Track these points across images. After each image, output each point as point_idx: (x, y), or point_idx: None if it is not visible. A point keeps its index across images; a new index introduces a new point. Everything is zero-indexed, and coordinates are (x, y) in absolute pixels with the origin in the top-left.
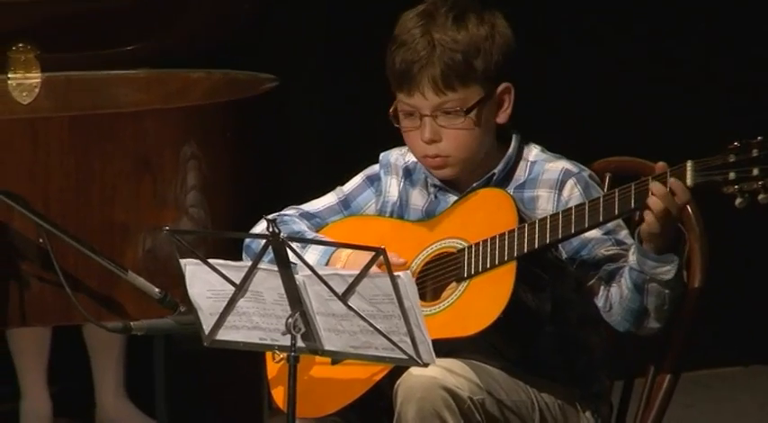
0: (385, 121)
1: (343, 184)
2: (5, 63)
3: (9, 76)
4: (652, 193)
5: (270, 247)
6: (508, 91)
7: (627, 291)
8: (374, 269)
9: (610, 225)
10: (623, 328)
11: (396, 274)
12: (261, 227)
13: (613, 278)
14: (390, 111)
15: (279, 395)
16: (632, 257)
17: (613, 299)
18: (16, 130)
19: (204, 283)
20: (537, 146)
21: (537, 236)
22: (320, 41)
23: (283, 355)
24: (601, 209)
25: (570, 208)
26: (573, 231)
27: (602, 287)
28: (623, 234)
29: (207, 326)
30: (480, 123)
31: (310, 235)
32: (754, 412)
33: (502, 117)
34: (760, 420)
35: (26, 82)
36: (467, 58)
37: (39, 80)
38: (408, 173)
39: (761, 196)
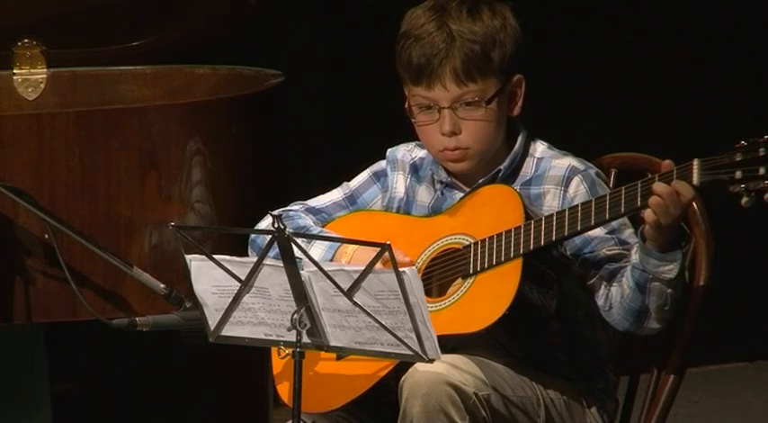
0: (389, 118)
1: (348, 179)
2: (11, 59)
3: (15, 71)
4: (656, 194)
5: (275, 243)
6: (520, 83)
7: (628, 290)
8: (380, 265)
9: (614, 223)
10: (623, 327)
11: (401, 269)
12: (266, 222)
13: (614, 277)
14: (405, 106)
15: (284, 390)
16: (635, 256)
17: (614, 298)
18: (22, 126)
19: (210, 278)
20: (544, 142)
21: (543, 233)
22: (324, 36)
23: (289, 350)
24: (607, 207)
25: (576, 205)
26: (579, 229)
27: (602, 286)
28: (627, 233)
29: (212, 321)
30: (498, 115)
31: (316, 230)
32: (759, 408)
33: (515, 109)
34: (765, 416)
35: (32, 78)
36: (485, 49)
37: (44, 76)
38: (415, 169)
39: (767, 195)
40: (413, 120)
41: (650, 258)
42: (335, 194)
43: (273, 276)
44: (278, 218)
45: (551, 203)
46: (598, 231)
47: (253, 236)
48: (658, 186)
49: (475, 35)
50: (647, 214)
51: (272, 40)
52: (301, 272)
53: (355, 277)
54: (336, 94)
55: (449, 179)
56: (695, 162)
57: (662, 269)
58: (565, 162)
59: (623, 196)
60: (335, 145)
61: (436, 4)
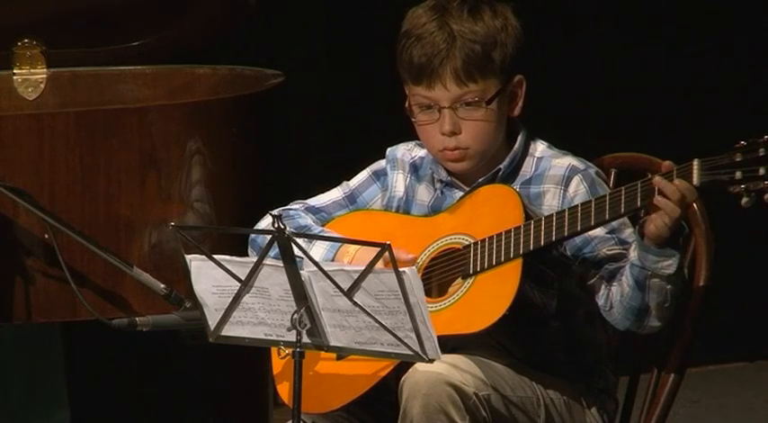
0: (389, 117)
1: (348, 179)
2: (11, 59)
3: (15, 71)
4: (658, 193)
5: (275, 243)
6: (520, 84)
7: (628, 288)
8: (380, 265)
9: (614, 223)
10: (624, 326)
11: (401, 269)
12: (266, 222)
13: (614, 277)
14: (405, 105)
15: (284, 390)
16: (633, 253)
17: (614, 297)
18: (22, 126)
19: (209, 278)
20: (543, 142)
21: (543, 233)
22: (324, 36)
23: (289, 350)
24: (607, 207)
25: (576, 205)
26: (579, 228)
27: (602, 286)
28: (627, 233)
29: (212, 321)
30: (498, 115)
31: (316, 230)
32: (759, 408)
33: (515, 110)
34: (765, 416)
35: (32, 78)
36: (486, 49)
37: (44, 76)
38: (415, 168)
39: (767, 196)
40: (413, 119)
41: (648, 255)
42: (335, 194)
43: (273, 276)
44: (278, 218)
45: (551, 203)
46: (598, 231)
47: (252, 235)
48: (666, 186)
49: (476, 35)
50: (653, 215)
51: (272, 40)
52: (301, 272)
53: (355, 277)
54: (336, 94)
55: (448, 178)
56: (695, 162)
57: (661, 265)
58: (565, 161)
59: (623, 196)
60: (335, 145)
61: (437, 4)
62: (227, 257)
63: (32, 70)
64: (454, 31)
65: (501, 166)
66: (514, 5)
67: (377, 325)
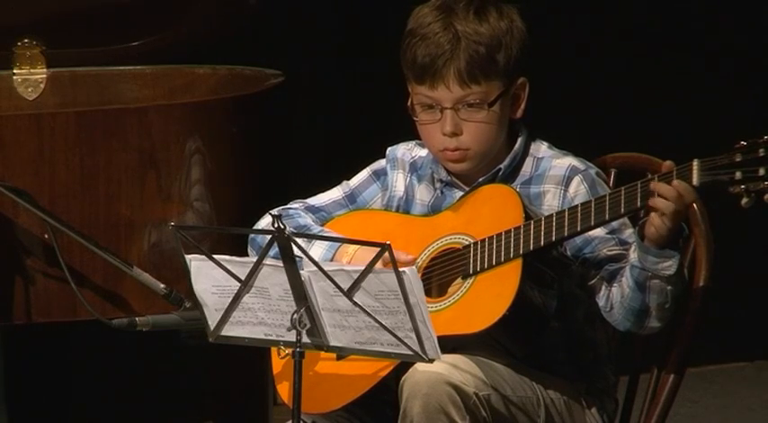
0: (389, 117)
1: (348, 178)
2: (11, 59)
3: (15, 71)
4: (657, 194)
5: (275, 242)
6: (524, 86)
7: (628, 290)
8: (379, 264)
9: (614, 224)
10: (624, 327)
11: (401, 269)
12: (266, 221)
13: (615, 278)
14: (408, 104)
15: (284, 390)
16: (633, 255)
17: (614, 298)
18: (22, 126)
19: (209, 278)
20: (544, 142)
21: (543, 233)
22: (324, 36)
23: (289, 350)
24: (607, 207)
25: (576, 205)
26: (579, 229)
27: (603, 287)
28: (627, 233)
29: (212, 321)
30: (500, 117)
31: (316, 229)
32: (759, 408)
33: (518, 112)
34: (765, 416)
35: (32, 78)
36: (490, 51)
37: (44, 76)
38: (415, 168)
39: (767, 196)
40: (414, 118)
41: (648, 256)
42: (335, 193)
43: (273, 276)
44: (278, 217)
45: (551, 203)
46: (599, 232)
47: (252, 235)
48: (659, 187)
49: (480, 37)
50: (652, 217)
51: (272, 40)
52: (301, 272)
53: (355, 277)
54: (336, 93)
55: (448, 178)
56: (695, 162)
57: (661, 266)
58: (565, 162)
59: (623, 197)
60: (336, 145)
61: (443, 4)
62: (227, 257)
63: (32, 70)
64: (459, 31)
65: (501, 166)
66: (521, 7)
67: (377, 325)
